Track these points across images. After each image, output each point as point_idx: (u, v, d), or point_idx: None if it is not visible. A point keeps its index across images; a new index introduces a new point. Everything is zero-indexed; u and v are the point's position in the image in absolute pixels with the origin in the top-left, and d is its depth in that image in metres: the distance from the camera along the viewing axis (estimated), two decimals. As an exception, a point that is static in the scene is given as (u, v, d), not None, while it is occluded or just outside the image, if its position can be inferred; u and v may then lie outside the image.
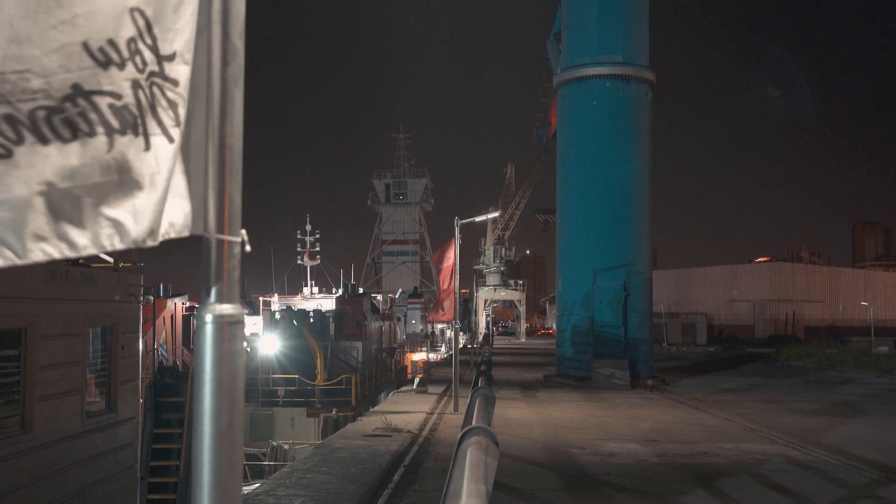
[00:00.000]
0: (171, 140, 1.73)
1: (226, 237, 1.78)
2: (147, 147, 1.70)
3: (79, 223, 1.62)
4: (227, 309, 1.76)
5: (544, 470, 11.39)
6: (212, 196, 1.78)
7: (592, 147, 26.80)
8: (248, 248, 1.84)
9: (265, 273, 53.87)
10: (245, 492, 10.70)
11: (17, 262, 1.56)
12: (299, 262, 52.00)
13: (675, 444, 13.64)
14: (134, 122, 1.67)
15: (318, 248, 53.04)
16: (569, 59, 27.85)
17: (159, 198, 1.72)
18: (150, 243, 1.72)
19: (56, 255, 1.60)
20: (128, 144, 1.67)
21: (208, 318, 1.74)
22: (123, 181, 1.67)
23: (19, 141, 1.56)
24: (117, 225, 1.67)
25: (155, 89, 1.71)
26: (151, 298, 27.64)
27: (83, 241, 1.63)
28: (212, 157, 1.78)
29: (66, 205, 1.60)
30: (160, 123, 1.71)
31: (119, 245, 1.68)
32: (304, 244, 52.74)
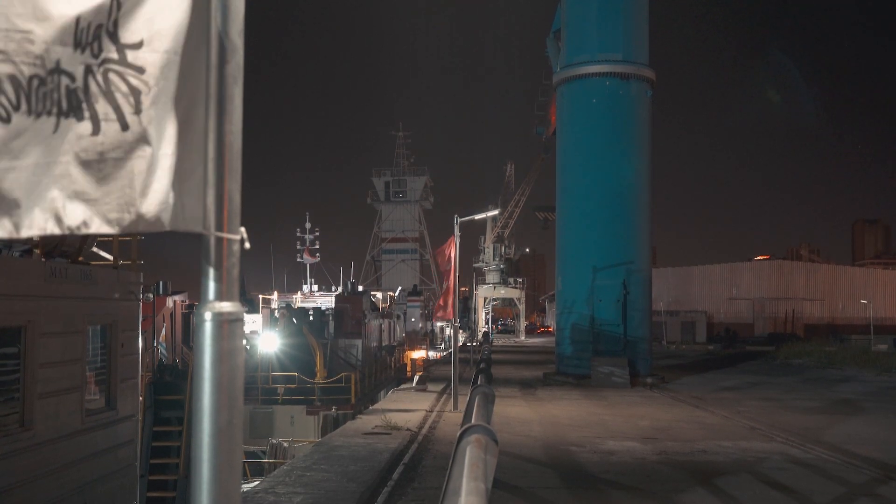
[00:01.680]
0: (124, 127, 1.71)
1: (225, 235, 1.78)
2: (95, 132, 1.68)
3: (24, 202, 1.60)
4: (226, 307, 1.76)
5: (544, 468, 11.39)
6: (211, 194, 1.78)
7: (592, 145, 26.81)
8: (247, 245, 1.84)
9: (265, 271, 53.88)
10: (244, 489, 10.71)
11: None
12: (299, 259, 51.98)
13: (674, 442, 13.65)
14: (78, 106, 1.66)
15: (317, 246, 53.04)
16: (568, 57, 27.84)
17: (109, 186, 1.70)
18: (86, 231, 1.70)
19: (1, 234, 1.59)
20: (69, 128, 1.65)
21: (207, 315, 1.74)
22: (67, 165, 1.65)
23: (17, 107, 1.55)
24: (54, 209, 1.65)
25: (112, 76, 1.69)
26: (151, 296, 27.61)
27: (25, 222, 1.61)
28: (211, 155, 1.78)
29: (16, 182, 1.58)
30: (116, 109, 1.70)
31: (55, 230, 1.65)
32: (303, 242, 52.73)
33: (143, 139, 1.72)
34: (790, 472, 11.11)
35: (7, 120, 1.54)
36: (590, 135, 26.93)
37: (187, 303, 35.29)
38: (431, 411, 17.64)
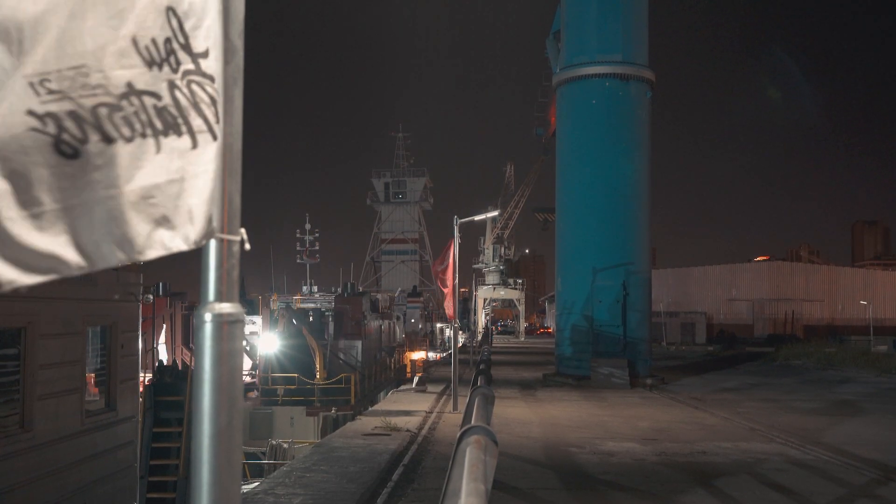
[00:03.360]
0: (214, 137, 1.73)
1: (225, 236, 1.78)
2: (194, 145, 1.70)
3: (140, 224, 1.62)
4: (226, 308, 1.76)
5: (543, 469, 11.39)
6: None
7: (592, 146, 26.81)
8: (247, 246, 1.84)
9: (265, 272, 53.92)
10: (244, 491, 10.70)
11: (90, 268, 1.56)
12: (299, 261, 52.01)
13: (674, 443, 13.65)
14: (175, 123, 1.67)
15: (317, 247, 53.07)
16: (568, 58, 27.85)
17: (208, 196, 1.73)
18: (204, 243, 1.73)
19: (123, 258, 1.60)
20: (172, 145, 1.68)
21: (207, 317, 1.74)
22: (173, 182, 1.68)
23: (85, 140, 1.56)
24: (172, 226, 1.67)
25: (195, 87, 1.71)
26: (151, 297, 27.55)
27: (143, 242, 1.63)
28: (211, 156, 1.78)
29: (127, 206, 1.60)
30: (206, 120, 1.72)
31: (181, 246, 1.69)
32: (303, 243, 52.76)
33: (222, 146, 1.75)
34: (790, 473, 11.11)
35: (75, 155, 1.55)
36: (589, 136, 26.93)
37: (187, 304, 35.28)
38: (431, 412, 17.64)
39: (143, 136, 1.62)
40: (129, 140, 1.60)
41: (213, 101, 1.73)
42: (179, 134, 1.67)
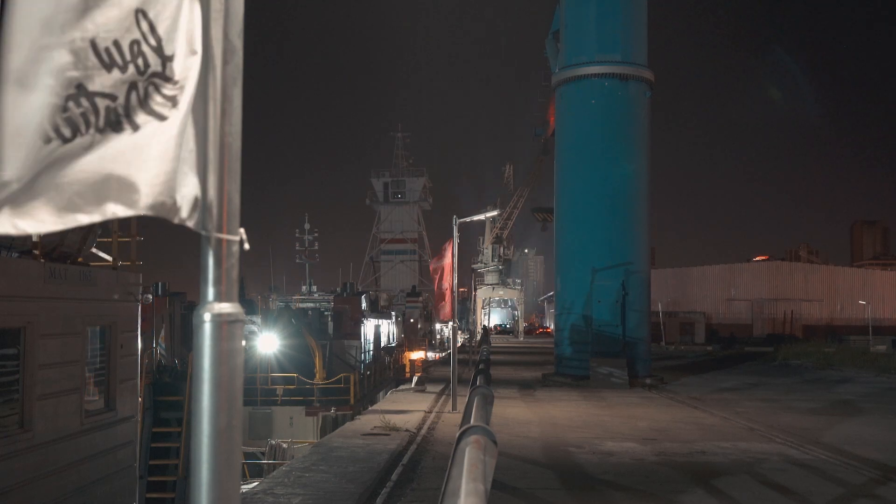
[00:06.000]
0: (161, 118, 1.72)
1: (224, 236, 1.78)
2: (135, 130, 1.69)
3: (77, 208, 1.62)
4: (225, 308, 1.76)
5: (543, 469, 11.39)
6: (211, 195, 1.78)
7: (591, 146, 26.80)
8: (246, 246, 1.84)
9: (264, 272, 53.97)
10: (243, 490, 10.70)
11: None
12: (298, 261, 52.00)
13: (673, 442, 13.65)
14: (117, 121, 1.67)
15: (316, 247, 53.08)
16: (567, 59, 27.85)
17: (151, 176, 1.72)
18: (143, 214, 1.72)
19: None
20: (112, 139, 1.66)
21: (207, 317, 1.74)
22: (111, 171, 1.66)
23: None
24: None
25: (151, 88, 1.70)
26: (150, 297, 27.54)
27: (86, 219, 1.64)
28: (210, 156, 1.78)
29: (65, 194, 1.60)
30: (151, 112, 1.71)
31: (125, 212, 1.69)
32: (302, 243, 52.77)
33: (180, 133, 1.75)
34: (789, 472, 11.11)
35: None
36: (588, 136, 26.92)
37: (186, 303, 35.28)
38: (430, 412, 17.63)
39: (83, 134, 1.61)
40: (67, 140, 1.59)
41: (171, 98, 1.72)
42: (118, 131, 1.67)
